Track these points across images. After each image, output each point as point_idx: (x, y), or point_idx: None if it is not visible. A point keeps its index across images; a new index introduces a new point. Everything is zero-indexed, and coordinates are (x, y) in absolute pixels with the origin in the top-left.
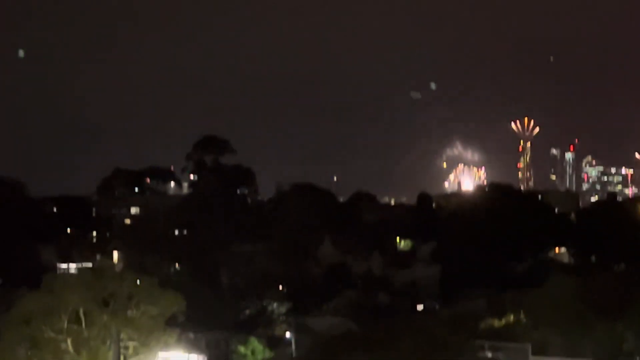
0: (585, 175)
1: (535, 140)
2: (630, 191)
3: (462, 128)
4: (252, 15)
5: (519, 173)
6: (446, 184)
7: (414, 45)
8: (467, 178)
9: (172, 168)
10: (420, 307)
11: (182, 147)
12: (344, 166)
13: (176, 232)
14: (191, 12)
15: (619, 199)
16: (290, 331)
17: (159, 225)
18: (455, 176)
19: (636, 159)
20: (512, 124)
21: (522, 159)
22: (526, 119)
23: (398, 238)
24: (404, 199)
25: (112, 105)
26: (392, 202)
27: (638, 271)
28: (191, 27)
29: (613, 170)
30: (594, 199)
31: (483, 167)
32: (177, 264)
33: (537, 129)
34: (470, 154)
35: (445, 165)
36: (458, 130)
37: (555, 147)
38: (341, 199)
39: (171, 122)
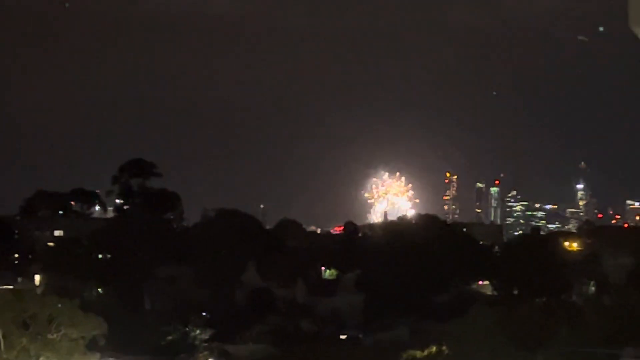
0: (511, 211)
1: (461, 173)
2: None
3: (388, 160)
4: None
5: (445, 205)
6: (371, 215)
7: (341, 77)
8: (393, 209)
9: (97, 191)
10: (343, 336)
11: (109, 169)
12: (271, 196)
13: (100, 256)
14: (122, 35)
15: (542, 233)
16: (212, 358)
17: (82, 248)
18: (381, 207)
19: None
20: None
21: (447, 191)
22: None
23: (323, 266)
24: (330, 229)
25: (38, 126)
26: (319, 231)
27: (559, 304)
28: (121, 50)
29: (537, 205)
30: (518, 232)
31: (409, 199)
32: (100, 288)
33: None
34: (396, 186)
35: (371, 196)
36: (384, 162)
37: (481, 181)
38: (267, 227)
39: (98, 145)
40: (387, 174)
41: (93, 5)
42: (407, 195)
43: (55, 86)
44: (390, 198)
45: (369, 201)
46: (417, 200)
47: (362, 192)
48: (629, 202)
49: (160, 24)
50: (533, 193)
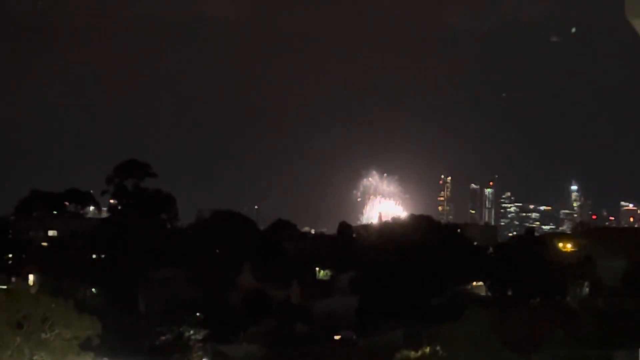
0: (505, 212)
1: (455, 174)
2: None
3: (383, 161)
4: (189, 44)
5: (439, 206)
6: (365, 215)
7: (337, 81)
8: (387, 210)
9: (91, 191)
10: (337, 337)
11: (103, 170)
12: (266, 197)
13: (94, 256)
14: (120, 37)
15: (537, 234)
16: (206, 358)
17: (76, 248)
18: (375, 208)
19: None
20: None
21: (442, 192)
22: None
23: (318, 267)
24: (324, 230)
25: (33, 126)
26: (313, 232)
27: (553, 305)
28: (118, 51)
29: (531, 206)
30: (512, 234)
31: (403, 200)
32: (94, 288)
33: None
34: (390, 186)
35: (366, 197)
36: (378, 163)
37: (475, 183)
38: (262, 228)
39: (93, 145)
40: (379, 175)
41: (91, 7)
42: (399, 197)
43: (50, 87)
44: (383, 199)
45: (358, 200)
46: (406, 207)
47: (355, 192)
48: (623, 203)
49: (158, 27)
50: (527, 194)
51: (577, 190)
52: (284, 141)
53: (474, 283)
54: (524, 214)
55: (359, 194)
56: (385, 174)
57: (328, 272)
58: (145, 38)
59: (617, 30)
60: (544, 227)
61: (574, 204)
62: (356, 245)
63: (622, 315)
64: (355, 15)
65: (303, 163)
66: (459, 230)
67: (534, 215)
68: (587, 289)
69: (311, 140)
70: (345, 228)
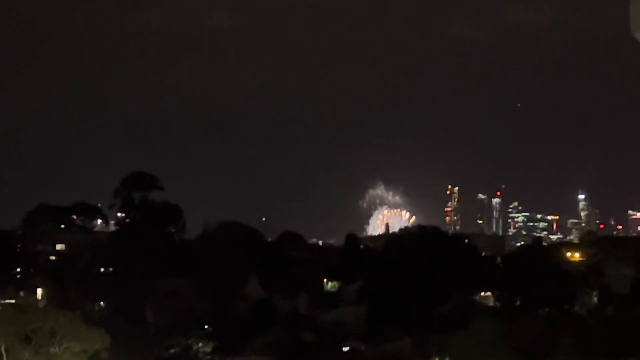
0: (512, 222)
1: (462, 184)
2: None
3: (390, 173)
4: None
5: (447, 217)
6: (371, 226)
7: (342, 91)
8: (393, 220)
9: (99, 205)
10: (346, 347)
11: (111, 183)
12: (273, 208)
13: (102, 269)
14: (124, 49)
15: (544, 244)
16: None
17: (84, 262)
18: (383, 218)
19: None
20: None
21: (449, 202)
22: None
23: (325, 279)
24: (332, 241)
25: (40, 140)
26: (320, 243)
27: (562, 315)
28: (123, 64)
29: (539, 216)
30: (519, 243)
31: (410, 210)
32: (102, 301)
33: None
34: (395, 197)
35: (372, 207)
36: (386, 175)
37: (483, 193)
38: (269, 239)
39: (100, 158)
40: (385, 185)
41: (94, 19)
42: (404, 207)
43: (57, 100)
44: (389, 209)
45: (374, 210)
46: (414, 217)
47: (361, 203)
48: (630, 212)
49: (160, 38)
50: (535, 204)
51: (585, 200)
52: (291, 152)
53: (482, 293)
54: (532, 224)
55: (364, 204)
56: (391, 186)
57: (336, 283)
58: (149, 48)
59: (622, 40)
60: (551, 236)
61: (582, 213)
62: (363, 257)
63: (631, 323)
64: (362, 24)
65: (309, 174)
66: (466, 240)
67: (542, 224)
68: (595, 298)
69: (317, 151)
70: (352, 239)
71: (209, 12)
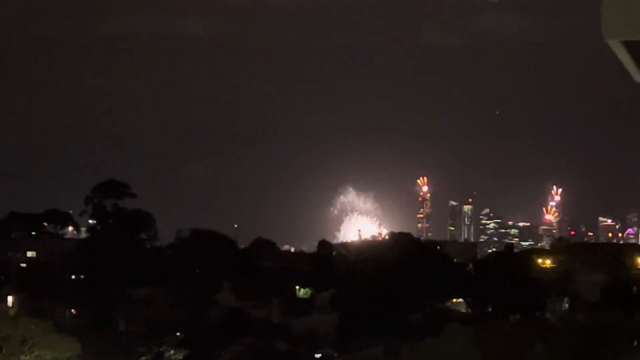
0: (484, 229)
1: (434, 192)
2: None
3: (362, 179)
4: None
5: (418, 224)
6: (342, 232)
7: (314, 99)
8: (364, 227)
9: (70, 212)
10: (318, 355)
11: (82, 190)
12: (245, 215)
13: (73, 277)
14: (93, 58)
15: (516, 250)
16: None
17: (55, 269)
18: (352, 225)
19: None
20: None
21: (421, 209)
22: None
23: (297, 286)
24: (304, 248)
25: (11, 148)
26: (292, 250)
27: (533, 321)
28: (94, 73)
29: (510, 223)
30: (491, 250)
31: (381, 217)
32: (73, 309)
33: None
34: (366, 203)
35: (343, 214)
36: (357, 181)
37: (454, 200)
38: (242, 247)
39: (72, 166)
40: (355, 192)
41: (64, 28)
42: (375, 214)
43: (27, 109)
44: (360, 216)
45: (344, 217)
46: (384, 225)
47: (332, 210)
48: (601, 219)
49: (132, 46)
50: (506, 211)
51: (556, 207)
52: (261, 160)
53: (454, 300)
54: (503, 230)
55: (335, 211)
56: (361, 192)
57: (308, 290)
58: (123, 56)
59: (593, 46)
60: (523, 243)
61: (553, 220)
62: (336, 263)
63: (602, 329)
64: (332, 32)
65: (280, 181)
66: (438, 247)
67: (513, 231)
68: (566, 304)
69: (287, 158)
70: (324, 246)
71: (181, 19)
